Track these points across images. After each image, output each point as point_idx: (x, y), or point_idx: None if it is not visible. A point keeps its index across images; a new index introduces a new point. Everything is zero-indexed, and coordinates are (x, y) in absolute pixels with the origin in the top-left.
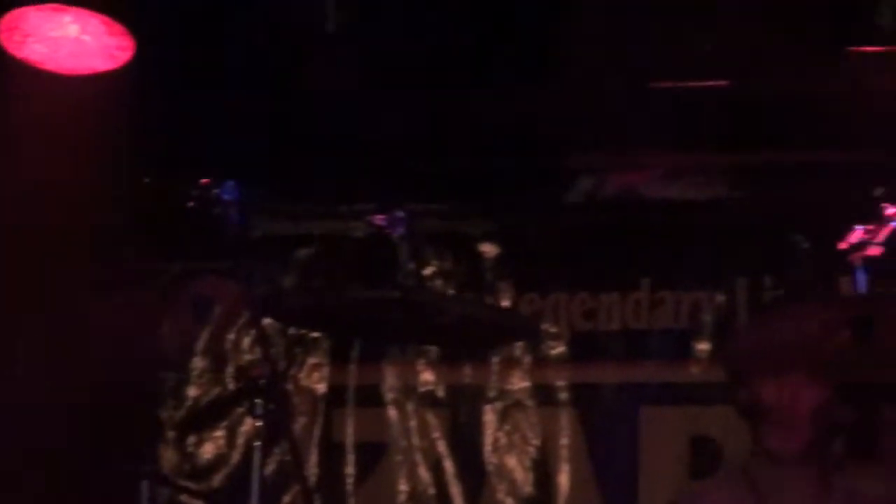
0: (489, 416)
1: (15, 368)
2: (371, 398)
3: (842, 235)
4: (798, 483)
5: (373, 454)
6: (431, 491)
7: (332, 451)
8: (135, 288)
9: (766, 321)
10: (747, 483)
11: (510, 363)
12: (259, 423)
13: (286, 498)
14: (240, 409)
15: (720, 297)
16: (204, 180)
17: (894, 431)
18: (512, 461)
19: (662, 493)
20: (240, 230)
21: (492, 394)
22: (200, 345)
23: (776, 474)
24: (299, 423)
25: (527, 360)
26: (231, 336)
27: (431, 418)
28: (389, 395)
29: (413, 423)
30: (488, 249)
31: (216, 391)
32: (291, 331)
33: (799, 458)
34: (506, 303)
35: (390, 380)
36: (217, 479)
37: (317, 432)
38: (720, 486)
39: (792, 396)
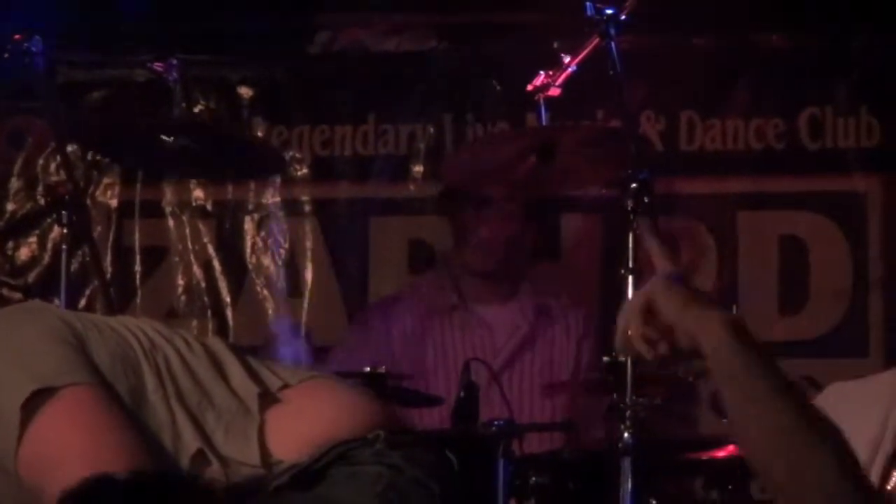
0: (248, 225)
1: None
2: (153, 211)
3: (529, 80)
4: (491, 289)
5: (156, 256)
6: (203, 285)
7: (123, 254)
8: None
9: (469, 149)
10: (452, 282)
11: (264, 183)
12: (65, 231)
13: (87, 291)
14: (49, 220)
15: (431, 129)
16: (17, 35)
17: (571, 236)
18: (267, 261)
19: (387, 285)
20: (46, 76)
21: (250, 207)
22: (16, 168)
23: (474, 282)
24: (96, 232)
25: (277, 179)
26: (41, 161)
27: (202, 227)
28: (168, 209)
29: (188, 231)
30: (245, 92)
31: (29, 205)
32: (89, 157)
33: (492, 273)
34: (259, 134)
35: (169, 196)
36: (31, 276)
37: (111, 238)
38: (431, 282)
39: (489, 228)
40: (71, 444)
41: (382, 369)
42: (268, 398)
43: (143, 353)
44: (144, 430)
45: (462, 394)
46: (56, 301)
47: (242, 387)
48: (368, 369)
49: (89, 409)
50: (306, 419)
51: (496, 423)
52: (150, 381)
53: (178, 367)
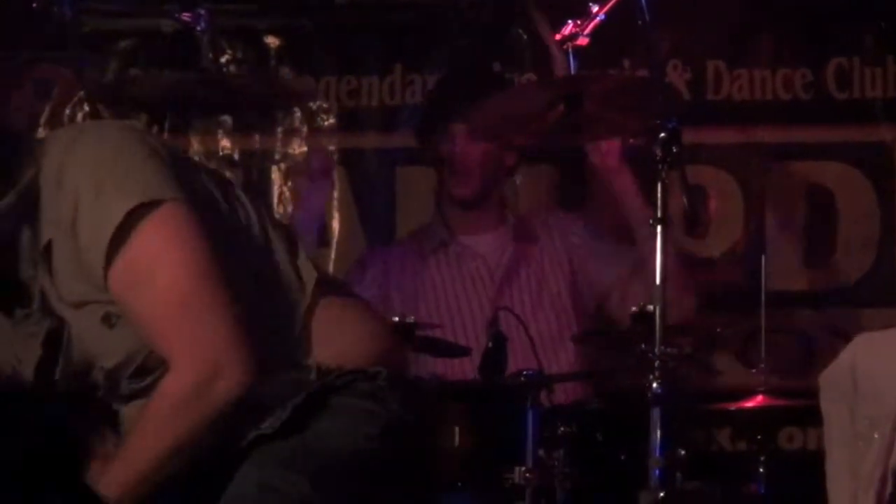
0: (275, 174)
1: None
2: None
3: (557, 29)
4: (476, 217)
5: None
6: None
7: None
8: None
9: (496, 98)
10: (442, 218)
11: (291, 133)
12: None
13: None
14: None
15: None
16: None
17: (596, 177)
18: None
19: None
20: (73, 26)
21: (277, 157)
22: (43, 118)
23: (461, 213)
24: None
25: (304, 130)
26: (67, 111)
27: (229, 176)
28: (196, 158)
29: None
30: (272, 41)
31: None
32: (116, 108)
33: (472, 200)
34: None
35: (196, 146)
36: None
37: None
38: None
39: (462, 151)
40: (170, 254)
41: (411, 319)
42: (321, 288)
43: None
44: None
45: (490, 344)
46: None
47: (305, 267)
48: (397, 319)
49: (189, 224)
50: (337, 331)
51: (525, 373)
52: (242, 215)
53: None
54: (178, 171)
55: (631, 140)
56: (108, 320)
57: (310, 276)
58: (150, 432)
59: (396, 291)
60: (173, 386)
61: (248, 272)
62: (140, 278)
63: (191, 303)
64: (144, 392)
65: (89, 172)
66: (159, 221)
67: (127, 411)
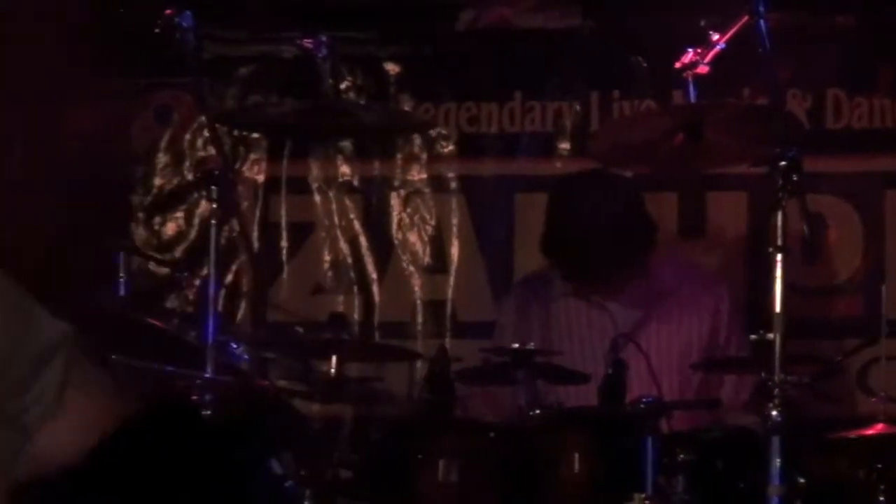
0: (395, 200)
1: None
2: (300, 187)
3: (675, 57)
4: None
5: (302, 231)
6: (349, 261)
7: (269, 229)
8: (110, 98)
9: (615, 126)
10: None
11: (411, 158)
12: (214, 206)
13: (234, 266)
14: (196, 195)
15: (577, 107)
16: (168, 11)
17: (716, 213)
18: (413, 237)
19: (532, 261)
20: (194, 52)
21: (396, 183)
22: (163, 144)
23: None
24: (243, 207)
25: (424, 156)
26: (188, 136)
27: (349, 202)
28: (315, 184)
29: (334, 207)
30: (392, 68)
31: (176, 181)
32: (236, 132)
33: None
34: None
35: (315, 172)
36: (178, 251)
37: (257, 214)
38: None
39: None
40: None
41: (531, 346)
42: None
43: None
44: None
45: (610, 371)
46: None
47: None
48: (517, 346)
49: None
50: None
51: (644, 400)
52: None
53: None
54: None
55: (750, 168)
56: None
57: None
58: None
59: (527, 320)
60: None
61: None
62: None
63: None
64: None
65: None
66: None
67: None
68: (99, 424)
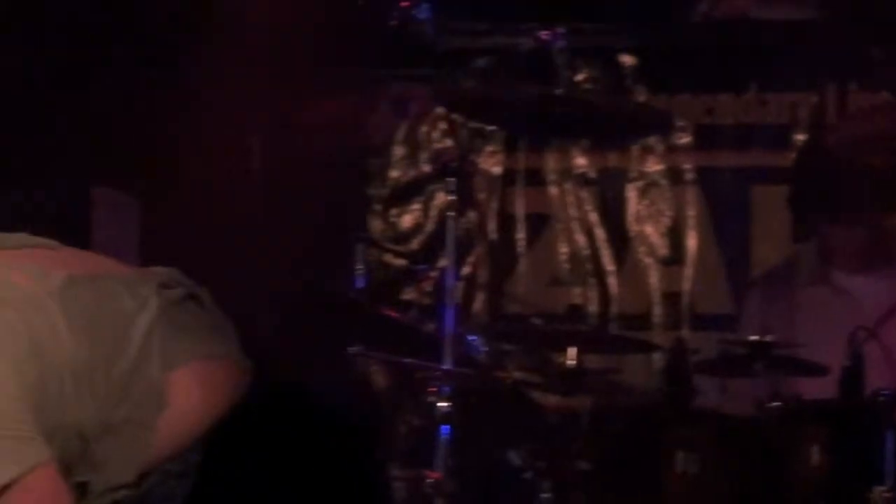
0: (631, 192)
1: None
2: (536, 179)
3: None
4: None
5: (538, 223)
6: (586, 252)
7: (506, 221)
8: (348, 90)
9: (852, 118)
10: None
11: (647, 150)
12: (452, 198)
13: (471, 258)
14: (432, 187)
15: (814, 98)
16: (404, 3)
17: None
18: (650, 229)
19: (770, 253)
20: (431, 43)
21: (633, 175)
22: (400, 136)
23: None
24: (480, 199)
25: (660, 147)
26: (424, 128)
27: (585, 194)
28: (551, 177)
29: (570, 199)
30: (628, 60)
31: (413, 173)
32: (472, 124)
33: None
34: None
35: (551, 164)
36: (415, 243)
37: (494, 206)
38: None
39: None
40: None
41: (769, 338)
42: None
43: None
44: None
45: (849, 363)
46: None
47: None
48: (755, 337)
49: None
50: None
51: (883, 392)
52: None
53: None
54: (47, 398)
55: None
56: None
57: None
58: None
59: (772, 312)
60: None
61: None
62: None
63: None
64: None
65: None
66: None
67: None
68: (209, 402)
